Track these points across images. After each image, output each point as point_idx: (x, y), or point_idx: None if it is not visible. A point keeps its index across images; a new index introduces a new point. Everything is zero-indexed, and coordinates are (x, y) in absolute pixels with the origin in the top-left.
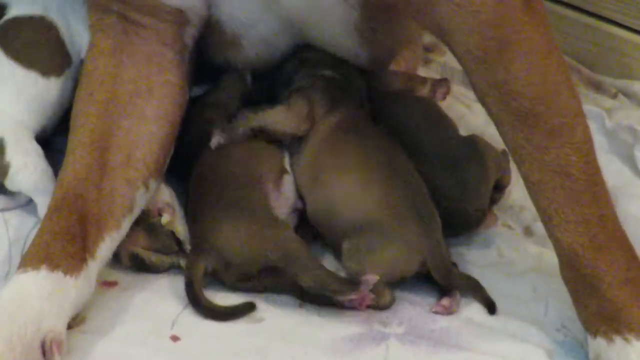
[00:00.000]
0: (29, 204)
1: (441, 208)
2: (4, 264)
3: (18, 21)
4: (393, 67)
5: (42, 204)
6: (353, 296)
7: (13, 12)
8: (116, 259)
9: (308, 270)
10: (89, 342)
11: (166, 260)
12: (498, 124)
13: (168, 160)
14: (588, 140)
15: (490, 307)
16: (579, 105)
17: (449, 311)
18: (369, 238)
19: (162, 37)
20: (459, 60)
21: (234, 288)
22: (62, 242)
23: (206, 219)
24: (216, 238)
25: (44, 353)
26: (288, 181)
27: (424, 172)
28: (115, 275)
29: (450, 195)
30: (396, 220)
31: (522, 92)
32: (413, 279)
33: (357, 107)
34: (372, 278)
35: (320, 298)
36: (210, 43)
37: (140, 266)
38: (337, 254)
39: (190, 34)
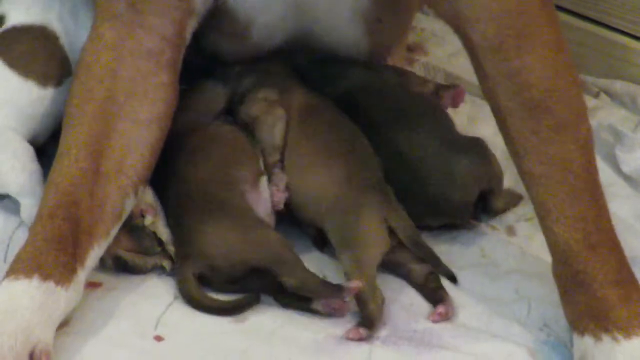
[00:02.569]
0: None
1: (427, 194)
2: None
3: (16, 30)
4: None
5: (28, 205)
6: (335, 305)
7: (11, 21)
8: (100, 260)
9: (292, 272)
10: (73, 343)
11: (149, 261)
12: (505, 116)
13: (154, 166)
14: (590, 140)
15: (451, 278)
16: (584, 104)
17: (446, 318)
18: (342, 217)
19: (165, 31)
20: (471, 49)
21: (221, 290)
22: (55, 250)
23: (190, 223)
24: (202, 243)
25: None
26: (264, 182)
27: (415, 158)
28: (100, 276)
29: (436, 181)
30: (358, 193)
31: (535, 83)
32: (396, 280)
33: (311, 90)
34: (355, 284)
35: (301, 304)
36: (214, 34)
37: (124, 268)
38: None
39: (191, 27)
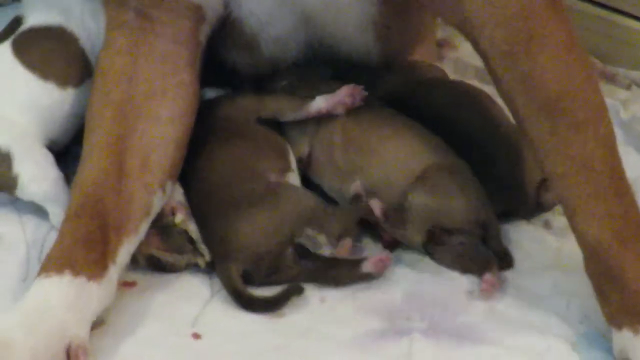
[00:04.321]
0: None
1: (499, 172)
2: (22, 267)
3: (35, 32)
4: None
5: (55, 213)
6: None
7: (30, 22)
8: (134, 260)
9: (329, 221)
10: (110, 343)
11: (182, 259)
12: (523, 119)
13: (182, 162)
14: (611, 135)
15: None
16: (602, 100)
17: (494, 288)
18: (432, 190)
19: (177, 36)
20: (483, 55)
21: (263, 283)
22: (84, 247)
23: (220, 222)
24: (238, 238)
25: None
26: (292, 179)
27: (484, 136)
28: (134, 275)
29: (508, 160)
30: (456, 171)
31: (548, 84)
32: (434, 276)
33: None
34: (377, 201)
35: (351, 273)
36: (225, 43)
37: (157, 267)
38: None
39: (205, 32)
